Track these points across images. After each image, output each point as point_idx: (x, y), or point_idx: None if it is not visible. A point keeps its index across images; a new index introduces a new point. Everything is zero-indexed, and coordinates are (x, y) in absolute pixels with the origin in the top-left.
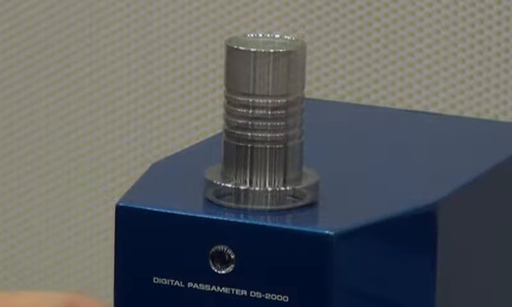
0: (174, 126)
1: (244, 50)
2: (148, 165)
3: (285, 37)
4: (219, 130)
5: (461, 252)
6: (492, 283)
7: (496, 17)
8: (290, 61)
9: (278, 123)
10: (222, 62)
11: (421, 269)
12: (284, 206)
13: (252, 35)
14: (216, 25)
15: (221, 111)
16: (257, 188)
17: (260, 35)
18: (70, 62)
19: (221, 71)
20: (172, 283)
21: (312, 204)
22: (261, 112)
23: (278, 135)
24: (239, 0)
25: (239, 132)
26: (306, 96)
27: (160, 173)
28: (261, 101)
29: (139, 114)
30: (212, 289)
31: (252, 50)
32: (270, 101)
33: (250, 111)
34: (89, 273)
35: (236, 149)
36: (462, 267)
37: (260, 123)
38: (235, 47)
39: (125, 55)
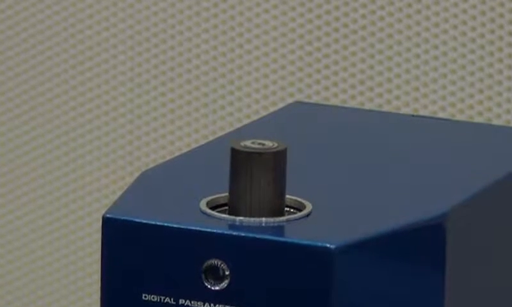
0: (165, 132)
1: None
2: (137, 173)
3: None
4: (213, 137)
5: (471, 265)
6: (505, 297)
7: (508, 16)
8: None
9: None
10: (215, 64)
11: (429, 284)
12: (282, 218)
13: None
14: (209, 25)
15: (214, 117)
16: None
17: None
18: (53, 64)
19: (214, 74)
20: (162, 300)
21: (312, 216)
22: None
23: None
24: None
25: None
26: (307, 100)
27: (150, 182)
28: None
29: (128, 119)
30: (205, 306)
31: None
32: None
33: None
34: (75, 289)
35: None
36: (472, 281)
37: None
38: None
39: (112, 57)
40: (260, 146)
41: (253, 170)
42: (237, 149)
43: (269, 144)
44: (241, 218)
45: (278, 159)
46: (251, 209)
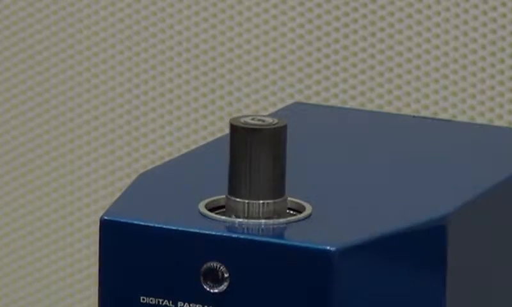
0: (163, 133)
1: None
2: (135, 175)
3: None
4: (212, 138)
5: (473, 267)
6: (506, 299)
7: (510, 16)
8: None
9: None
10: (213, 64)
11: (430, 287)
12: (281, 220)
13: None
14: (208, 25)
15: (213, 117)
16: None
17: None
18: (50, 65)
19: (213, 75)
20: (161, 303)
21: (312, 218)
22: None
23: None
24: None
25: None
26: (307, 101)
27: (149, 183)
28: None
29: (126, 120)
30: None
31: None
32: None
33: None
34: (71, 292)
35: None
36: (473, 284)
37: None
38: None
39: (110, 57)
40: (259, 122)
41: (252, 146)
42: (236, 125)
43: (268, 120)
44: (240, 220)
45: (278, 135)
46: (250, 186)
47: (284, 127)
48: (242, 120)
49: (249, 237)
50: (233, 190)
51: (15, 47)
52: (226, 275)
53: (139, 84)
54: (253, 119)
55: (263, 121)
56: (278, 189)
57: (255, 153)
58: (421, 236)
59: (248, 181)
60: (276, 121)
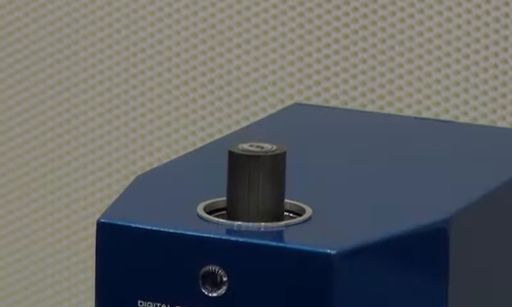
0: (161, 134)
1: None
2: (133, 177)
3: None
4: (210, 140)
5: (475, 271)
6: (508, 301)
7: None
8: None
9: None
10: (212, 65)
11: (432, 290)
12: (281, 223)
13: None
14: (207, 25)
15: (211, 119)
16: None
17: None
18: (47, 65)
19: (212, 76)
20: None
21: (312, 221)
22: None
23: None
24: None
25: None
26: (306, 102)
27: (146, 185)
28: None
29: (123, 121)
30: None
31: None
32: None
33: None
34: (68, 296)
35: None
36: (476, 286)
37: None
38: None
39: (107, 58)
40: (258, 149)
41: (251, 174)
42: (235, 153)
43: (267, 147)
44: (239, 223)
45: (276, 162)
46: (249, 215)
47: (283, 154)
48: (240, 147)
49: (249, 240)
50: (231, 216)
51: (11, 47)
52: (225, 279)
53: (136, 85)
54: (251, 146)
55: (262, 147)
56: (276, 216)
57: (253, 180)
58: (423, 238)
59: (247, 209)
60: (274, 147)
